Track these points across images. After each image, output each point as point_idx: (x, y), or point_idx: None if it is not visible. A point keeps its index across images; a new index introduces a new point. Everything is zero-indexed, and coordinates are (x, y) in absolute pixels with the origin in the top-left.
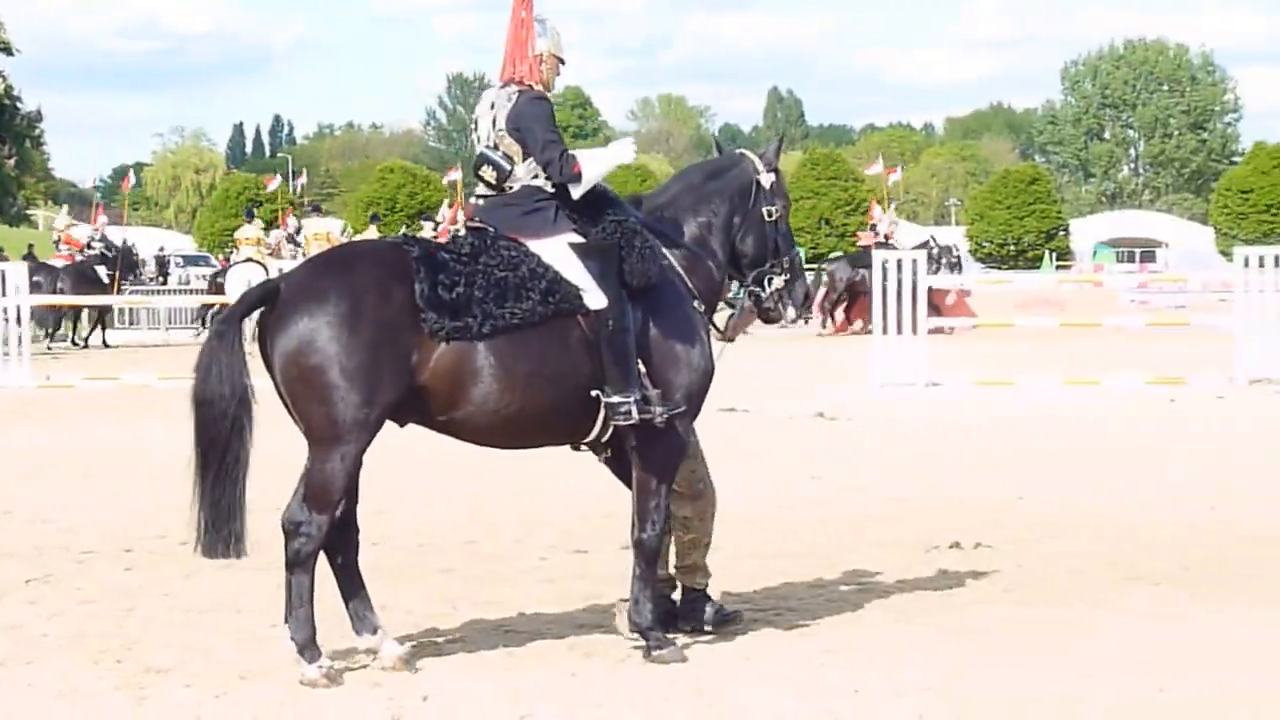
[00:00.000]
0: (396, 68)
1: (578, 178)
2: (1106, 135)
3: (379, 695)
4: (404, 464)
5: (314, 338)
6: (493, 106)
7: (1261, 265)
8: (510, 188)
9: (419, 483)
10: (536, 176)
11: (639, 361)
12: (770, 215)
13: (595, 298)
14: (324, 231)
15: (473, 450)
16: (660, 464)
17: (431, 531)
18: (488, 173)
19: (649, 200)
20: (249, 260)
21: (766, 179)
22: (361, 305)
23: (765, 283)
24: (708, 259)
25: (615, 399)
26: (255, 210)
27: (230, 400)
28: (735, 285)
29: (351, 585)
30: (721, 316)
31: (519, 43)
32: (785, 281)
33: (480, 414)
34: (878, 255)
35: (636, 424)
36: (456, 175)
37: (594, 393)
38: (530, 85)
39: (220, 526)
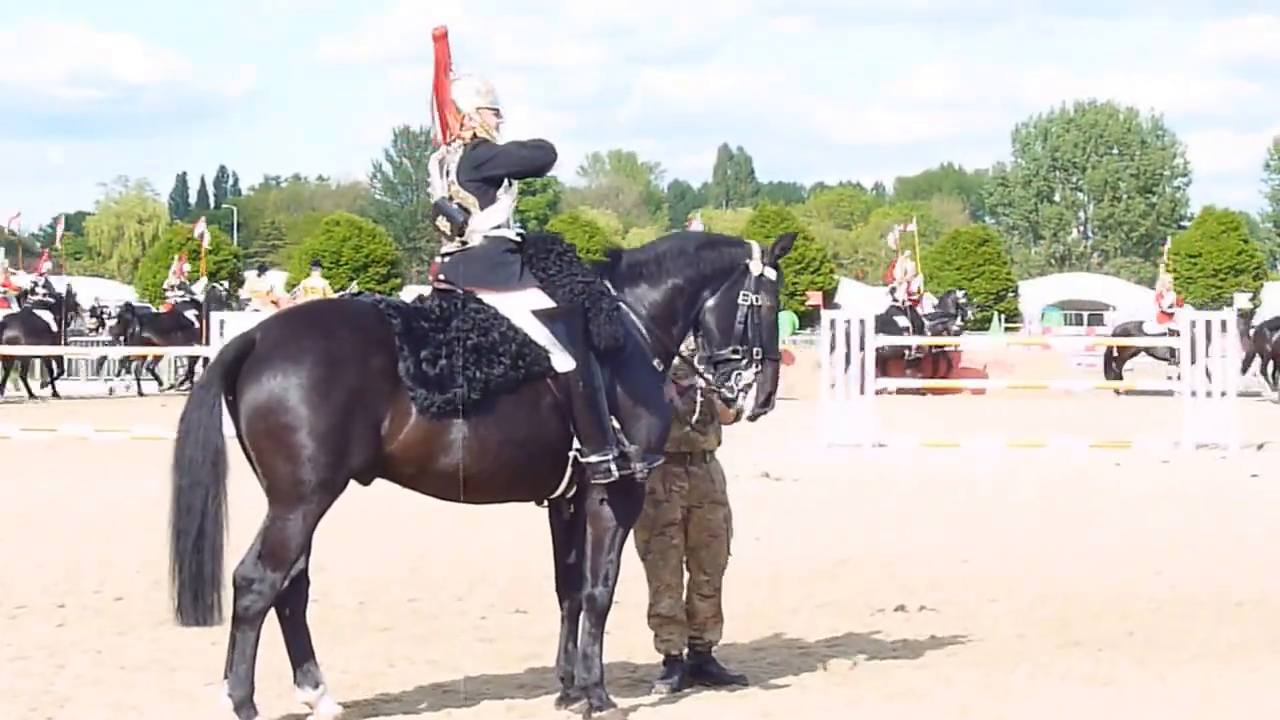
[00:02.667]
0: (343, 120)
1: (553, 150)
2: (1056, 197)
3: None
4: (344, 519)
5: (286, 396)
6: (442, 163)
7: (1209, 330)
8: (469, 240)
9: (358, 538)
10: (498, 227)
11: (611, 418)
12: (747, 300)
13: (563, 360)
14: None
15: (414, 506)
16: (622, 519)
17: (371, 589)
18: (442, 223)
19: (631, 254)
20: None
21: (756, 267)
22: (339, 370)
23: (734, 377)
24: (667, 324)
25: (594, 458)
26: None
27: (204, 465)
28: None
29: (298, 638)
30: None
31: (446, 107)
32: (754, 375)
33: (450, 476)
34: (826, 315)
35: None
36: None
37: (571, 453)
38: (474, 135)
39: (202, 596)
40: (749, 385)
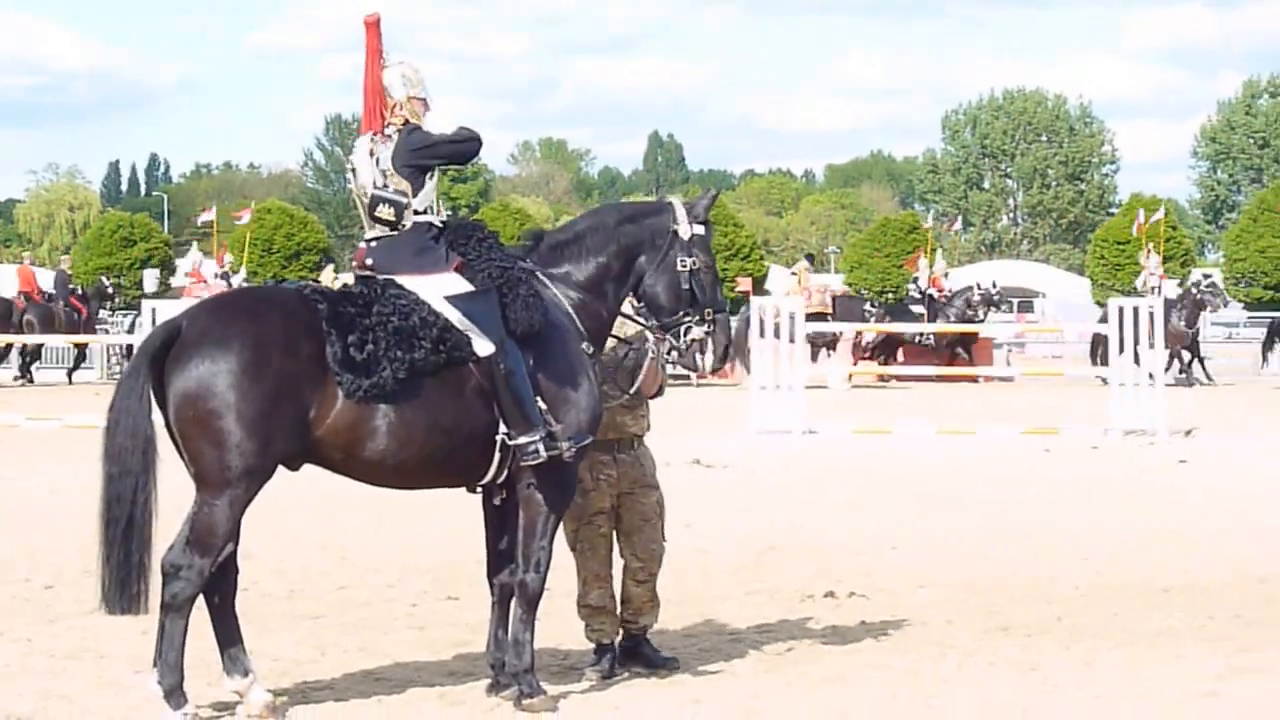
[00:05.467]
0: (275, 108)
1: (479, 137)
2: (986, 185)
3: None
4: (273, 506)
5: (214, 382)
6: (372, 153)
7: (1136, 317)
8: (404, 224)
9: (288, 526)
10: (426, 210)
11: (538, 399)
12: (685, 265)
13: (483, 344)
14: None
15: (344, 494)
16: (554, 503)
17: (301, 577)
18: (384, 211)
19: (551, 235)
20: None
21: (686, 230)
22: (266, 356)
23: (681, 332)
24: (597, 302)
25: (522, 440)
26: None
27: (134, 454)
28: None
29: (227, 627)
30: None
31: (376, 94)
32: (705, 333)
33: (377, 462)
34: (755, 304)
35: (537, 463)
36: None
37: (499, 437)
38: (406, 122)
39: (130, 584)
40: (701, 341)
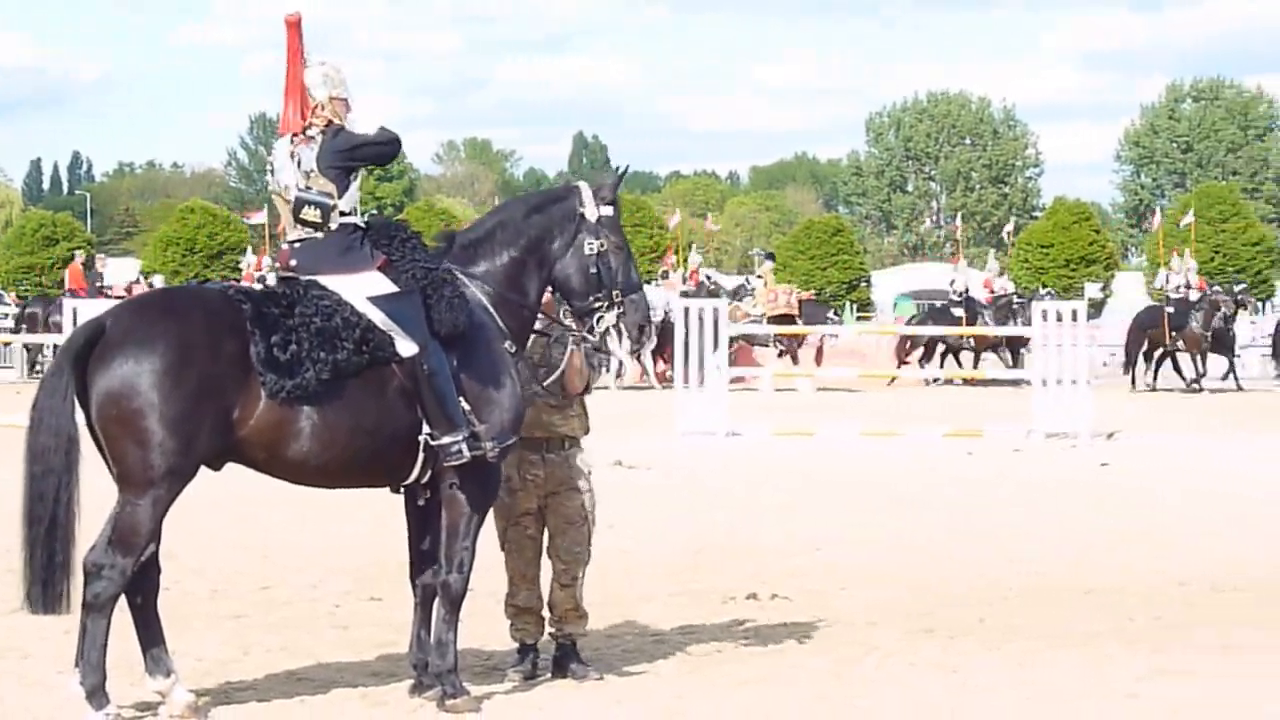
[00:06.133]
0: (198, 107)
1: (398, 139)
2: (909, 187)
3: None
4: (196, 505)
5: (137, 382)
6: (293, 155)
7: (1059, 320)
8: (330, 226)
9: (211, 525)
10: (347, 215)
11: (461, 399)
12: (592, 248)
13: (406, 345)
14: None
15: (266, 493)
16: (477, 503)
17: (224, 576)
18: (310, 213)
19: (463, 235)
20: None
21: (593, 212)
22: (189, 356)
23: (595, 324)
24: (517, 298)
25: (445, 440)
26: None
27: (57, 453)
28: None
29: (149, 627)
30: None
31: (297, 94)
32: (617, 315)
33: (301, 462)
34: (680, 303)
35: (460, 464)
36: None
37: (422, 437)
38: (329, 123)
39: (53, 584)
40: (615, 327)
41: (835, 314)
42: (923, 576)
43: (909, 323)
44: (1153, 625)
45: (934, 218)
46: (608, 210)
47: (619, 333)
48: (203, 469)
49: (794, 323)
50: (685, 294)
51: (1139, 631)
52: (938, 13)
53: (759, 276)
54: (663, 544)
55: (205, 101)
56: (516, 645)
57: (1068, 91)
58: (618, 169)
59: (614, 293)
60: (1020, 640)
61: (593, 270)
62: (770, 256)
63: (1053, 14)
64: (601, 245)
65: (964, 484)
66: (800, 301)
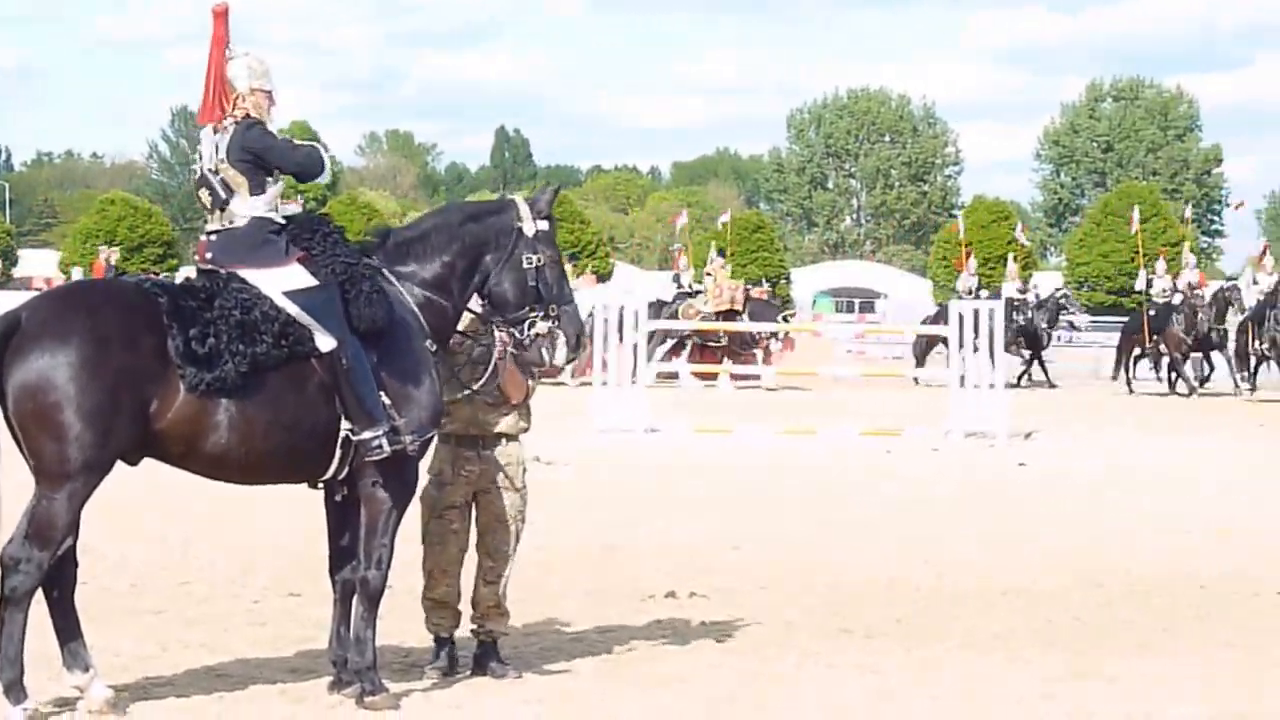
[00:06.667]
0: (119, 98)
1: (325, 163)
2: (830, 184)
3: None
4: (113, 499)
5: (53, 375)
6: (214, 139)
7: (977, 320)
8: (233, 220)
9: (130, 520)
10: (273, 209)
11: (381, 394)
12: (530, 262)
13: (325, 340)
14: None
15: (185, 488)
16: (396, 499)
17: (142, 571)
18: (204, 195)
19: (399, 233)
20: None
21: (530, 227)
22: (106, 349)
23: (525, 327)
24: (442, 299)
25: (365, 435)
26: None
27: None
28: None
29: (66, 621)
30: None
31: (219, 84)
32: (552, 326)
33: (219, 456)
34: (597, 302)
35: (379, 460)
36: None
37: (342, 432)
38: (247, 115)
39: None
40: (551, 336)
41: (786, 317)
42: (839, 576)
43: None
44: (1069, 626)
45: (854, 215)
46: (544, 225)
47: (553, 341)
48: (120, 464)
49: (738, 318)
50: (685, 294)
51: (1055, 633)
52: (858, 10)
53: (708, 274)
54: (581, 541)
55: (126, 93)
56: (433, 638)
57: (987, 90)
58: (551, 185)
59: (550, 306)
60: (937, 641)
61: (531, 284)
62: (720, 253)
63: (972, 12)
64: (539, 260)
65: (881, 483)
66: (747, 298)
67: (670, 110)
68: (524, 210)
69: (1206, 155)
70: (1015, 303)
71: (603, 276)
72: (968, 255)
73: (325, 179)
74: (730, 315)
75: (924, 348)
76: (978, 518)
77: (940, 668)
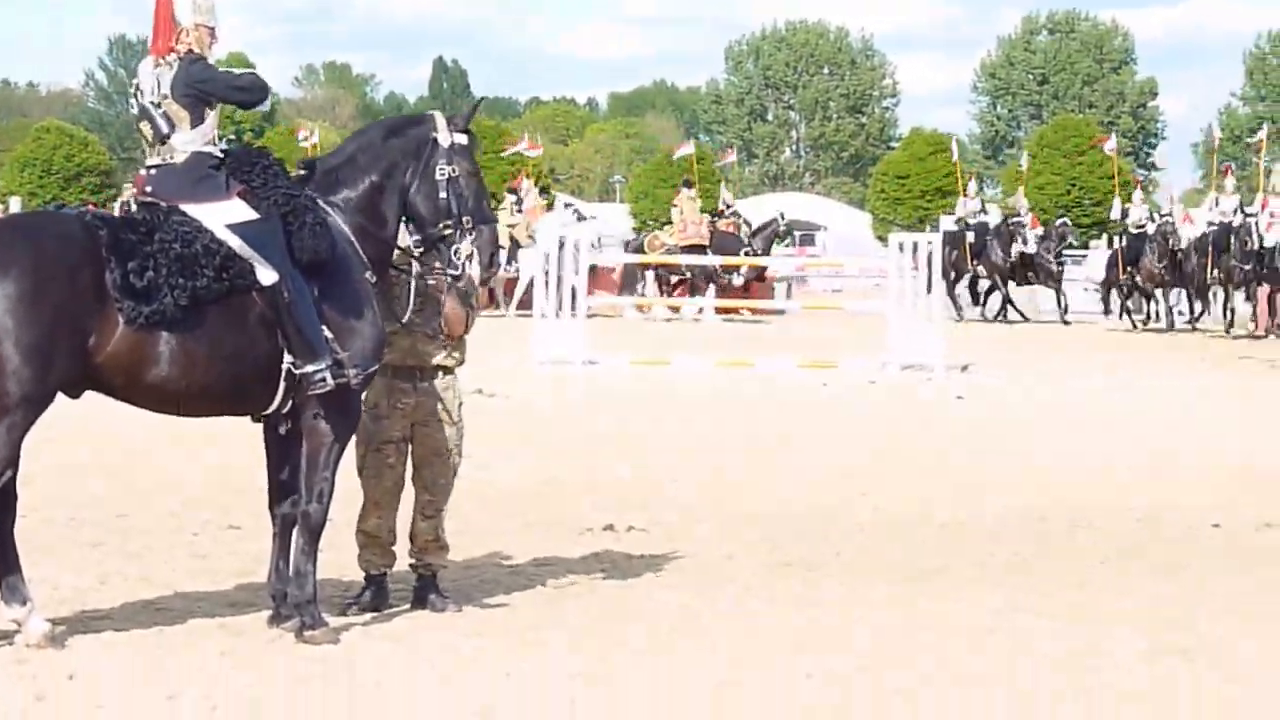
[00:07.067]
0: (55, 25)
1: (268, 89)
2: (769, 117)
3: (23, 673)
4: (51, 430)
5: None
6: (156, 79)
7: (915, 252)
8: (174, 154)
9: (68, 452)
10: (210, 143)
11: (324, 327)
12: (444, 174)
13: (266, 273)
14: None
15: (124, 420)
16: (338, 434)
17: (80, 503)
18: (145, 128)
19: (324, 161)
20: None
21: (445, 138)
22: (45, 282)
23: (451, 254)
24: (377, 227)
25: (308, 368)
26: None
27: None
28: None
29: (4, 555)
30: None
31: (164, 20)
32: (472, 244)
33: (159, 389)
34: (541, 233)
35: (322, 393)
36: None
37: (285, 365)
38: (190, 50)
39: None
40: (469, 255)
41: (750, 250)
42: (778, 509)
43: None
44: (1008, 560)
45: (793, 147)
46: (461, 138)
47: (471, 260)
48: (60, 396)
49: (704, 253)
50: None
51: (994, 566)
52: None
53: (675, 205)
54: (519, 474)
55: (62, 20)
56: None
57: (924, 22)
58: (475, 100)
59: (464, 219)
60: (877, 575)
61: (443, 196)
62: (687, 184)
63: None
64: (453, 171)
65: (819, 416)
66: (713, 232)
67: (608, 42)
68: (441, 122)
69: (1141, 88)
70: (1014, 230)
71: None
72: (967, 180)
73: (266, 106)
74: (697, 250)
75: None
76: (915, 451)
77: (880, 601)
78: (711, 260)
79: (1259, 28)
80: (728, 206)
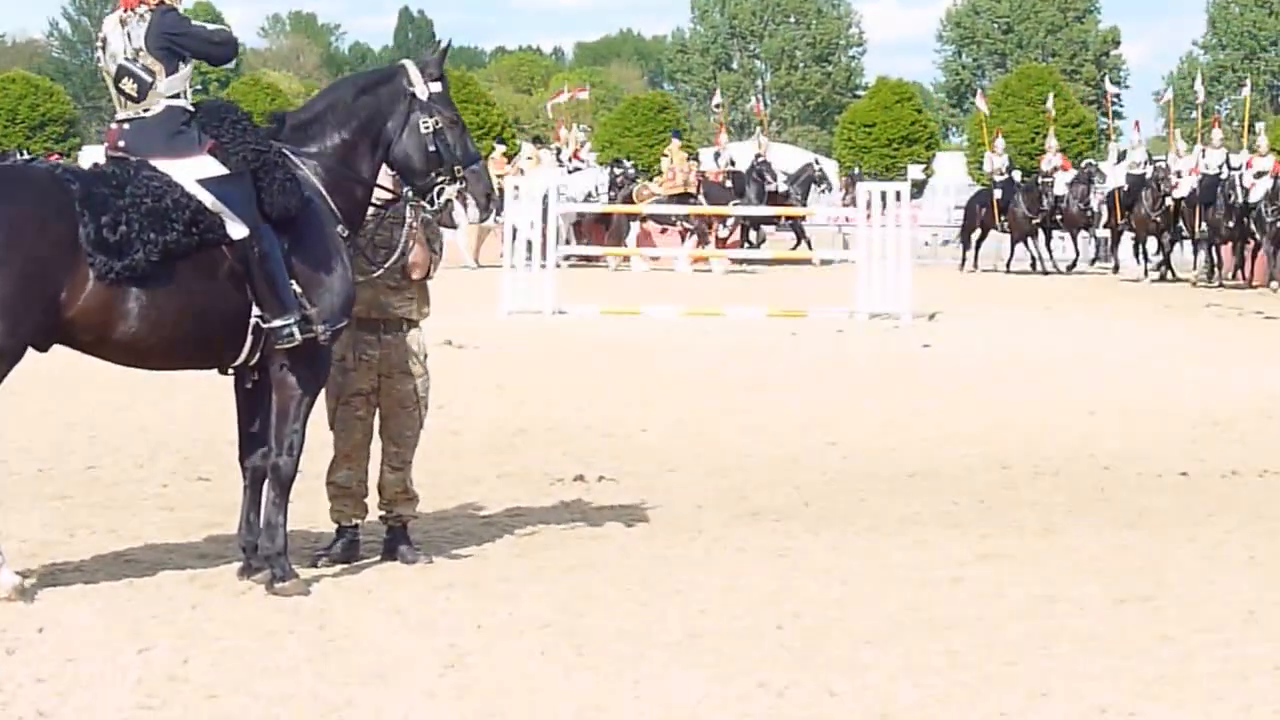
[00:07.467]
0: None
1: (235, 48)
2: (734, 65)
3: None
4: (15, 381)
5: None
6: (123, 24)
7: (883, 201)
8: (149, 108)
9: (32, 403)
10: (177, 97)
11: (293, 282)
12: (428, 126)
13: (236, 227)
14: None
15: (90, 371)
16: (307, 387)
17: (48, 455)
18: (128, 85)
19: (294, 116)
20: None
21: (423, 90)
22: (16, 237)
23: (436, 195)
24: (351, 179)
25: (276, 323)
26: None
27: None
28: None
29: None
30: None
31: None
32: (460, 189)
33: (129, 344)
34: (509, 183)
35: (291, 346)
36: None
37: (253, 319)
38: (161, 2)
39: None
40: (460, 197)
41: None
42: (747, 459)
43: None
44: (975, 508)
45: (759, 96)
46: (436, 86)
47: (464, 203)
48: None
49: (694, 202)
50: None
51: (962, 515)
52: None
53: (665, 155)
54: (489, 424)
55: None
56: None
57: None
58: (440, 42)
59: (455, 167)
60: (845, 524)
61: (431, 148)
62: (677, 135)
63: None
64: (437, 122)
65: (788, 365)
66: (700, 179)
67: None
68: (414, 74)
69: (1105, 37)
70: (1041, 182)
71: (511, 157)
72: (996, 135)
73: (232, 64)
74: (685, 198)
75: (969, 232)
76: (883, 400)
77: (849, 551)
78: (757, 210)
79: None
80: (758, 157)
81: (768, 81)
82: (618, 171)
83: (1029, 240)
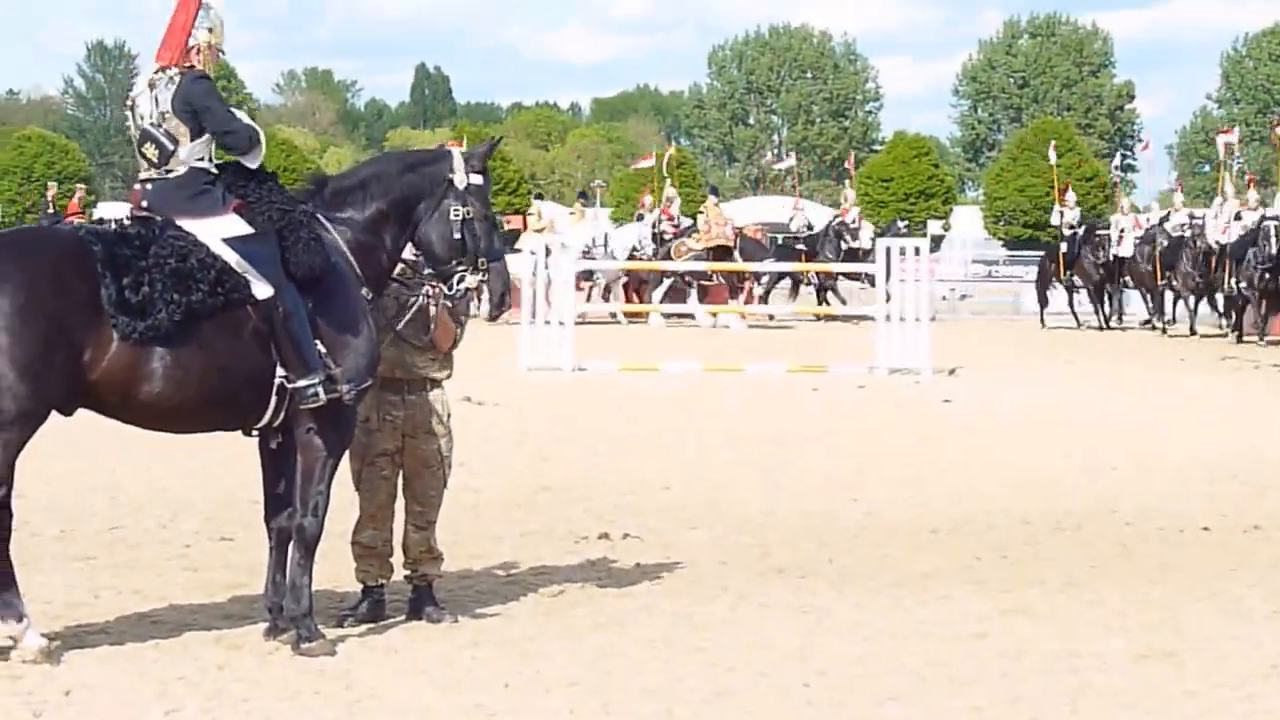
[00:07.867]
0: (34, 32)
1: (258, 145)
2: (751, 120)
3: (19, 689)
4: (37, 442)
5: None
6: (152, 87)
7: (903, 256)
8: (172, 170)
9: (57, 464)
10: (201, 160)
11: (317, 342)
12: (457, 215)
13: (262, 287)
14: None
15: (111, 432)
16: (332, 448)
17: (71, 516)
18: (150, 150)
19: (336, 181)
20: None
21: (461, 179)
22: (39, 298)
23: (455, 281)
24: (377, 248)
25: (301, 383)
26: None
27: None
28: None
29: (0, 571)
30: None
31: (180, 31)
32: (480, 281)
33: (154, 405)
34: (541, 245)
35: (315, 407)
36: None
37: (279, 380)
38: (191, 66)
39: None
40: (475, 289)
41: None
42: (770, 515)
43: None
44: (998, 564)
45: (775, 151)
46: (477, 179)
47: (478, 297)
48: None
49: (730, 257)
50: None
51: (984, 570)
52: None
53: (701, 212)
54: (511, 482)
55: (42, 26)
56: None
57: (906, 26)
58: (490, 140)
59: (478, 260)
60: (869, 580)
61: (456, 236)
62: (714, 191)
63: None
64: (468, 212)
65: (808, 421)
66: (738, 235)
67: (591, 46)
68: (458, 162)
69: (1119, 91)
70: (1097, 236)
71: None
72: (1065, 188)
73: (253, 163)
74: (724, 253)
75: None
76: (905, 455)
77: (872, 607)
78: (779, 266)
79: (1236, 30)
80: (836, 217)
81: (784, 136)
82: (663, 228)
83: (1099, 294)
